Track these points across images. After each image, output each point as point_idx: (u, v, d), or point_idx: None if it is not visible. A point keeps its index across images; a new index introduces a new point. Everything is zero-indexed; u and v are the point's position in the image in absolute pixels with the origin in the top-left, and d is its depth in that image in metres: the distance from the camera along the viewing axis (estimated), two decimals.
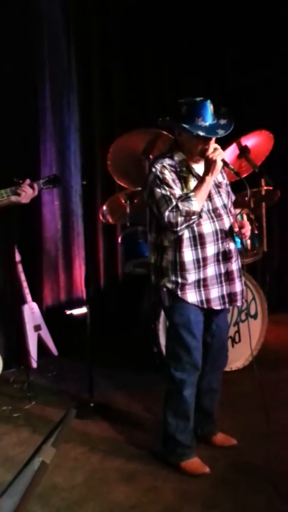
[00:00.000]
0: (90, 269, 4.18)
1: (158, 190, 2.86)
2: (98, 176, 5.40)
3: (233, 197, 3.21)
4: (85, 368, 3.92)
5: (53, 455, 1.60)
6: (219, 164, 2.84)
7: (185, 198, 2.81)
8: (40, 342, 4.83)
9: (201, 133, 2.80)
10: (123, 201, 4.55)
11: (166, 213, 2.80)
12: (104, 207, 4.73)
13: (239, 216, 3.20)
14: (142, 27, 5.50)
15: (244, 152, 4.26)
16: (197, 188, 2.85)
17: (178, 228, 2.81)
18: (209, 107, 2.85)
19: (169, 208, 2.80)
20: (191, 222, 2.82)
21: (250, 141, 4.26)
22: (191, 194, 2.82)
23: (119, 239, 4.67)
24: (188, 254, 2.90)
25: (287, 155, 5.97)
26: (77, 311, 5.12)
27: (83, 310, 4.73)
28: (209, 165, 2.84)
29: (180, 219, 2.79)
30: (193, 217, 2.81)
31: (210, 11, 5.65)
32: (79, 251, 5.42)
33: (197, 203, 2.80)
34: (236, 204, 3.31)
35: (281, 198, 4.89)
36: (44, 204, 5.15)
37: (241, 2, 5.67)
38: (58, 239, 5.34)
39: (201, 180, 2.86)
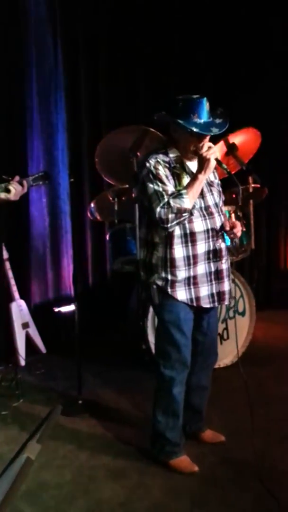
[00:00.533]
0: (78, 266, 4.17)
1: (151, 185, 2.86)
2: (85, 173, 5.39)
3: (223, 197, 3.22)
4: (73, 365, 3.92)
5: (38, 451, 1.60)
6: (213, 163, 2.84)
7: (177, 195, 2.81)
8: (28, 340, 4.82)
9: (195, 130, 2.80)
10: (111, 199, 4.55)
11: (158, 209, 2.81)
12: (92, 205, 4.72)
13: (227, 214, 3.19)
14: (129, 24, 5.48)
15: (231, 149, 4.26)
16: (189, 185, 2.85)
17: (169, 225, 2.81)
18: (205, 105, 2.85)
19: (161, 204, 2.80)
20: (182, 219, 2.82)
21: (237, 138, 4.27)
22: (183, 191, 2.82)
23: (107, 237, 4.67)
24: (179, 251, 2.90)
25: (274, 153, 6.00)
26: (65, 309, 5.11)
27: (71, 307, 4.72)
28: (203, 163, 2.84)
29: (171, 215, 2.79)
30: (184, 214, 2.81)
31: (199, 9, 5.64)
32: (67, 248, 5.42)
33: (188, 201, 2.80)
34: (224, 202, 3.31)
35: (268, 196, 4.90)
36: (32, 201, 5.14)
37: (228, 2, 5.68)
38: (46, 236, 5.33)
39: (193, 177, 2.87)
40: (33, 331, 4.87)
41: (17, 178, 3.16)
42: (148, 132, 4.12)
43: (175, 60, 5.68)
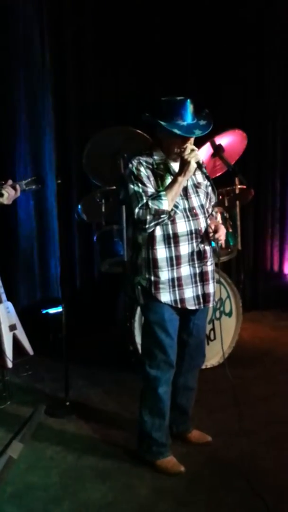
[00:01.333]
0: (65, 268, 4.17)
1: (131, 186, 2.88)
2: (73, 175, 5.39)
3: (214, 199, 3.22)
4: (61, 367, 3.91)
5: (24, 452, 1.61)
6: (193, 166, 2.84)
7: (156, 196, 2.82)
8: (16, 342, 4.80)
9: (177, 132, 2.81)
10: (98, 200, 4.55)
11: (136, 210, 2.82)
12: (79, 206, 4.72)
13: (214, 214, 3.19)
14: (117, 26, 5.48)
15: (218, 151, 4.28)
16: (168, 187, 2.86)
17: (147, 226, 2.83)
18: (189, 107, 2.85)
19: (139, 205, 2.82)
20: (160, 220, 2.83)
21: (224, 140, 4.29)
22: (162, 193, 2.83)
23: (95, 238, 4.67)
24: (161, 252, 2.91)
25: (260, 154, 6.02)
26: (52, 310, 5.11)
27: (58, 309, 4.72)
28: (183, 166, 2.85)
29: (149, 217, 2.80)
30: (162, 216, 2.82)
31: (185, 9, 5.66)
32: (54, 250, 5.41)
33: (167, 203, 2.81)
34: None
35: (255, 197, 4.92)
36: (19, 203, 5.13)
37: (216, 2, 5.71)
38: (33, 238, 5.33)
39: (173, 180, 2.87)
40: (21, 333, 4.85)
41: (10, 182, 3.16)
42: (135, 134, 4.13)
43: (161, 61, 5.68)
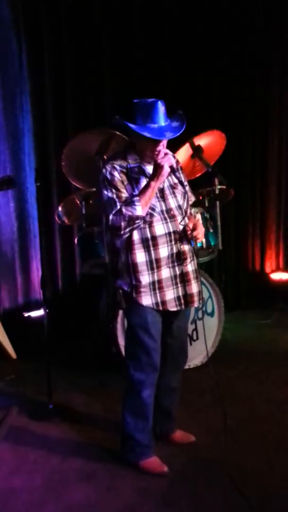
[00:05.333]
0: (46, 270, 4.16)
1: (105, 192, 2.86)
2: (53, 177, 5.38)
3: (193, 198, 3.22)
4: (43, 370, 3.90)
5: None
6: (166, 170, 2.83)
7: (129, 202, 2.81)
8: None
9: (148, 135, 2.79)
10: (78, 202, 4.54)
11: (110, 216, 2.81)
12: (60, 208, 4.71)
13: (193, 213, 3.20)
14: (95, 26, 5.48)
15: (197, 151, 4.30)
16: (141, 192, 2.84)
17: (122, 232, 2.82)
18: (160, 109, 2.83)
19: (113, 212, 2.81)
20: (135, 226, 2.83)
21: (202, 140, 4.30)
22: (135, 198, 2.81)
23: (76, 240, 4.66)
24: (141, 256, 2.91)
25: (240, 154, 6.06)
26: (35, 313, 5.09)
27: (41, 312, 4.71)
28: (156, 170, 2.84)
29: (123, 223, 2.79)
30: (136, 221, 2.81)
31: (162, 11, 5.68)
32: (36, 253, 5.40)
33: (140, 208, 2.80)
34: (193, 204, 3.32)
35: (235, 197, 4.94)
36: None
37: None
38: (14, 241, 5.31)
39: (146, 185, 2.86)
40: (3, 337, 4.83)
41: None
42: (114, 135, 4.12)
43: (140, 63, 5.68)
